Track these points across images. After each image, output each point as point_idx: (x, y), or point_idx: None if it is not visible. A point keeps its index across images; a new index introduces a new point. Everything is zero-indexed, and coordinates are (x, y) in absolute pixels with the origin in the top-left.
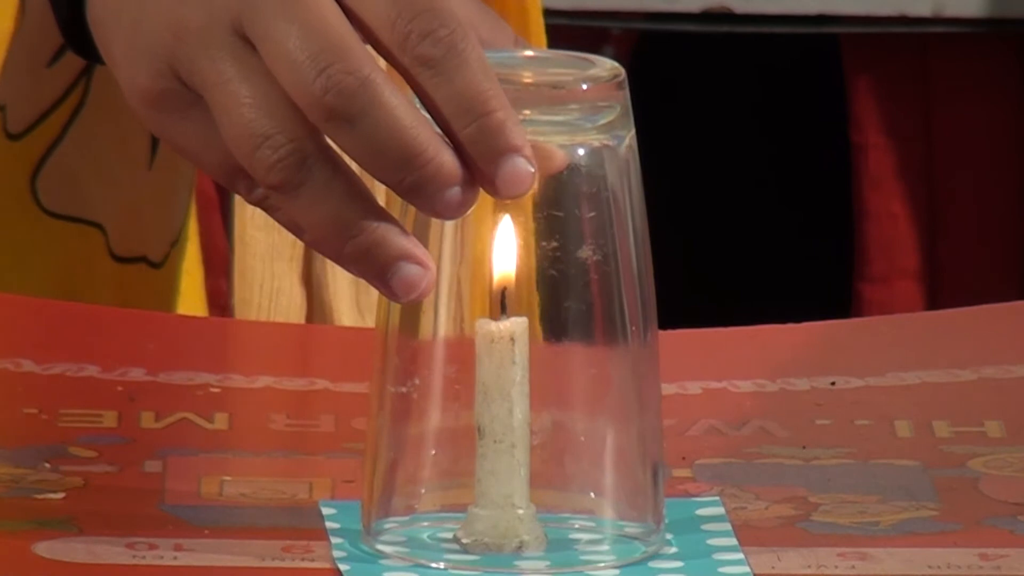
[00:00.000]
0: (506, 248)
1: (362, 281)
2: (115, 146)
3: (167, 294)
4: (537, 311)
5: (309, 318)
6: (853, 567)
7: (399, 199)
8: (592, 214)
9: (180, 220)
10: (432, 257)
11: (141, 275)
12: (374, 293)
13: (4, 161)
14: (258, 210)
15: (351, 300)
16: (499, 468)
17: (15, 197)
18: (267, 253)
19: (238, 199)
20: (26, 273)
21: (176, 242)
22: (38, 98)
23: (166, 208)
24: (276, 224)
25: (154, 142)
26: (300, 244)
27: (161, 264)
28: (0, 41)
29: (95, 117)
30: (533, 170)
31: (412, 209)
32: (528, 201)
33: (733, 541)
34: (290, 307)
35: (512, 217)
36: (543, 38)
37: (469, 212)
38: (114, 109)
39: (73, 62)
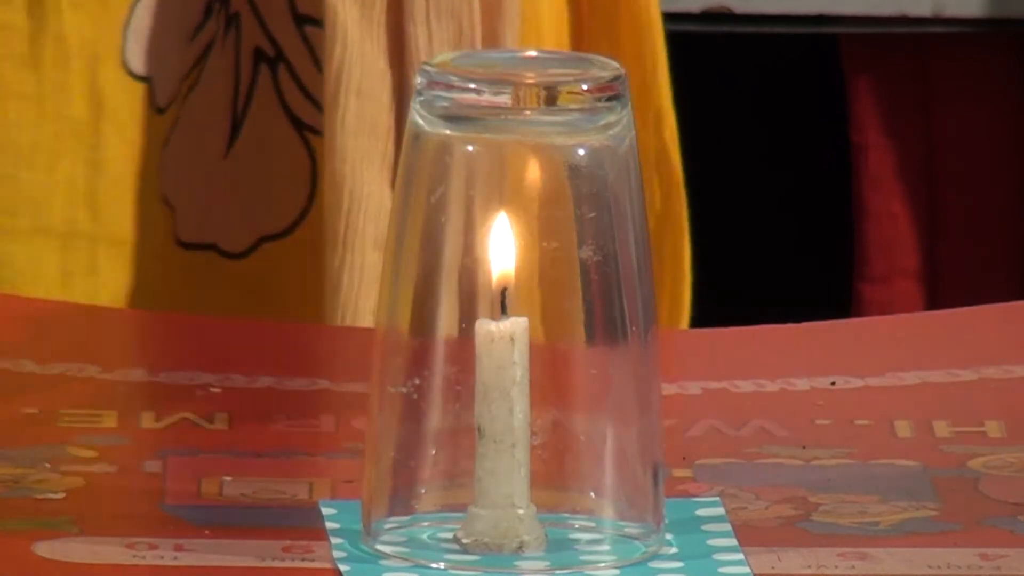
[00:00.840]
0: (504, 246)
1: None
2: (195, 128)
3: (247, 287)
4: (582, 314)
5: None
6: (853, 567)
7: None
8: (592, 214)
9: (279, 218)
10: (433, 256)
11: (210, 263)
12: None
13: (149, 135)
14: (348, 115)
15: None
16: (499, 468)
17: (153, 170)
18: (356, 159)
19: (329, 103)
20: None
21: (272, 238)
22: (179, 72)
23: (247, 200)
24: (366, 129)
25: (233, 132)
26: (390, 150)
27: (241, 256)
28: (145, 10)
29: (197, 99)
30: None
31: (414, 217)
32: (530, 201)
33: (733, 541)
34: (380, 212)
35: (514, 217)
36: (663, 50)
37: (468, 212)
38: (211, 92)
39: (204, 36)
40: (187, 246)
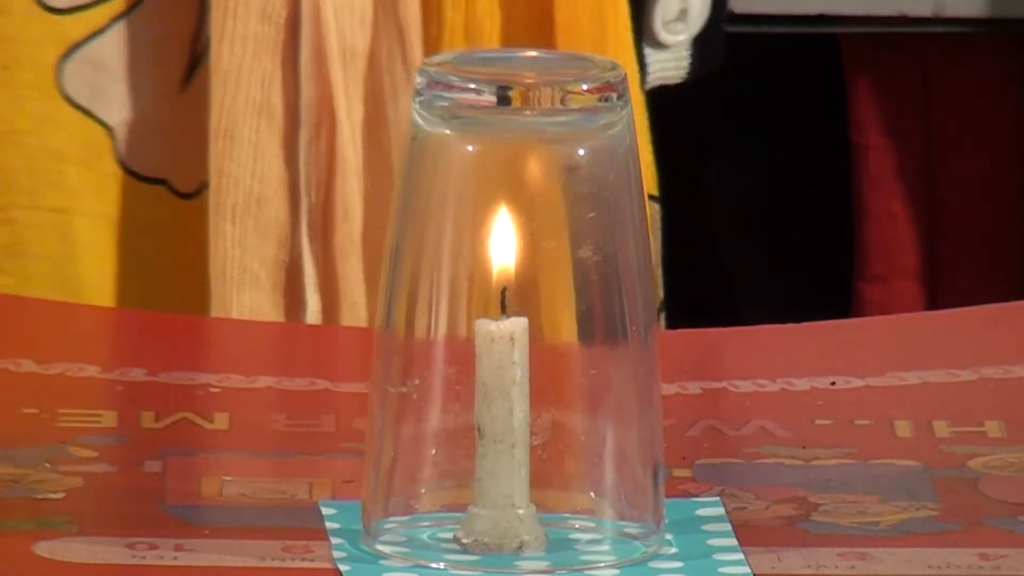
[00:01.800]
0: (504, 246)
1: None
2: (152, 58)
3: (196, 231)
4: (582, 314)
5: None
6: (853, 567)
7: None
8: (592, 214)
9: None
10: (433, 256)
11: (164, 199)
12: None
13: (36, 34)
14: None
15: None
16: (499, 468)
17: (37, 73)
18: None
19: None
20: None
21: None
22: None
23: (196, 141)
24: None
25: (191, 68)
26: None
27: (189, 196)
28: None
29: (144, 23)
30: None
31: (415, 221)
32: (529, 201)
33: (733, 541)
34: None
35: (514, 217)
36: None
37: (468, 212)
38: (164, 22)
39: None
40: (134, 174)
